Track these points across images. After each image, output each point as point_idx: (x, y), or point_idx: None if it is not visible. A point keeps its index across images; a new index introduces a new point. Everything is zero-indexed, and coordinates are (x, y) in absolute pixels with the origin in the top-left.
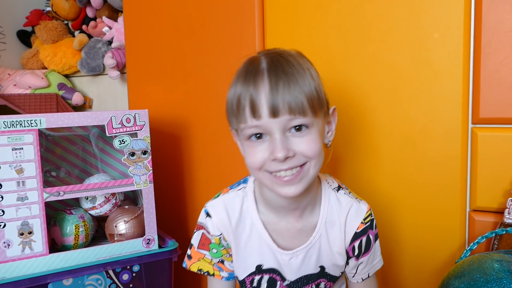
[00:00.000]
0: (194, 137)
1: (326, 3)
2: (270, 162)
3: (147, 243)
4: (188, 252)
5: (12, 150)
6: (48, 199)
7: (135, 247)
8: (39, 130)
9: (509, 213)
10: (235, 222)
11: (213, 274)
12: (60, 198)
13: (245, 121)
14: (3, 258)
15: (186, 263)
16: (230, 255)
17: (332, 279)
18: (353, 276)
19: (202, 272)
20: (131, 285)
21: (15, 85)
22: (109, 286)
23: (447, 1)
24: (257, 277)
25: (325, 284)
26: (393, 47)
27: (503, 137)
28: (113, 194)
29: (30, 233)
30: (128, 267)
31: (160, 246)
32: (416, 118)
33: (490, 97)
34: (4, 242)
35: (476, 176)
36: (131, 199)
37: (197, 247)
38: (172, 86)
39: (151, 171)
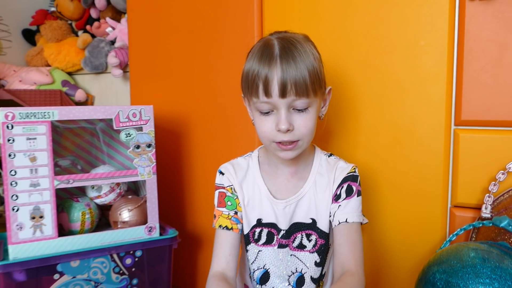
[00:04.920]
0: (193, 133)
1: (321, 9)
2: (276, 132)
3: (149, 231)
4: (214, 213)
5: (27, 139)
6: (58, 186)
7: (138, 234)
8: (51, 122)
9: (486, 208)
10: (241, 178)
11: (232, 228)
12: (69, 185)
13: (257, 97)
14: (15, 240)
15: (214, 223)
16: (241, 207)
17: (323, 235)
18: (333, 220)
19: (222, 228)
20: (133, 269)
21: (20, 81)
22: (113, 269)
23: (433, 11)
24: (258, 230)
25: (316, 239)
26: (383, 53)
27: (483, 138)
28: (118, 184)
29: (41, 217)
30: (131, 252)
31: (161, 234)
32: (402, 119)
33: (472, 100)
34: (17, 225)
35: (457, 174)
36: (133, 191)
37: (217, 206)
38: (173, 84)
39: (155, 163)
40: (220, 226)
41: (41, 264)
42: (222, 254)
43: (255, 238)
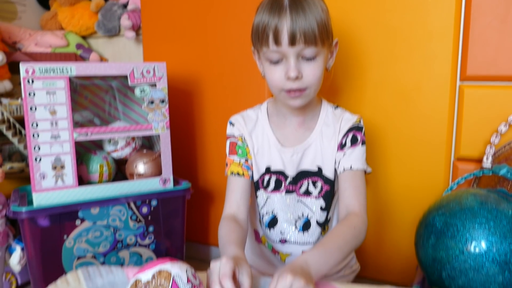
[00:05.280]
0: (205, 92)
1: None
2: (285, 81)
3: (164, 182)
4: (226, 162)
5: (47, 94)
6: (77, 139)
7: (153, 185)
8: (69, 77)
9: (487, 159)
10: (250, 128)
11: (243, 174)
12: (88, 138)
13: (268, 46)
14: (39, 188)
15: (226, 170)
16: (251, 155)
17: (328, 182)
18: (338, 167)
19: (234, 174)
20: (149, 217)
21: (36, 44)
22: (131, 217)
23: None
24: (266, 177)
25: (321, 185)
26: (391, 9)
27: (487, 92)
28: (133, 139)
29: (62, 167)
30: (147, 201)
31: (174, 186)
32: (408, 75)
33: (477, 56)
34: (40, 174)
35: (461, 128)
36: (147, 147)
37: (228, 154)
38: (185, 45)
39: (168, 118)
40: (231, 173)
41: (63, 211)
42: (233, 199)
43: (264, 185)
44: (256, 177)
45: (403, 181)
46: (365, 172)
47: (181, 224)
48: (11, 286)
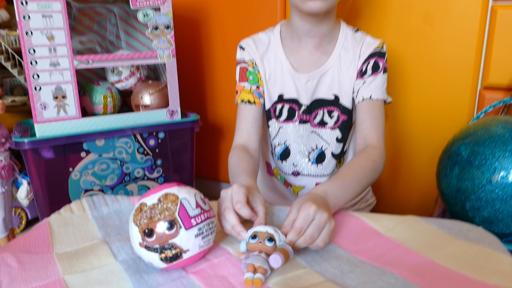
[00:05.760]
0: (212, 19)
1: None
2: None
3: (171, 114)
4: (236, 89)
5: (42, 17)
6: (78, 67)
7: (160, 117)
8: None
9: None
10: (262, 52)
11: (254, 102)
12: (89, 66)
13: None
14: (41, 119)
15: (236, 98)
16: (262, 81)
17: (345, 111)
18: (357, 96)
19: (244, 102)
20: (157, 150)
21: None
22: (138, 149)
23: None
24: (279, 106)
25: (338, 115)
26: None
27: None
28: (137, 69)
29: (63, 97)
30: (154, 133)
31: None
32: None
33: None
34: (41, 104)
35: (491, 53)
36: (153, 79)
37: (239, 81)
38: None
39: (174, 46)
40: (242, 100)
41: (67, 142)
42: (244, 127)
43: (276, 114)
44: (268, 106)
45: (424, 111)
46: (384, 102)
47: (190, 158)
48: (21, 221)
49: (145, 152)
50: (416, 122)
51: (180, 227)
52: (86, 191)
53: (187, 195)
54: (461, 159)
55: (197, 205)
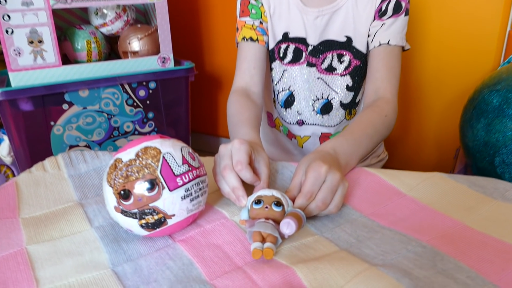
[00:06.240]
0: None
1: None
2: None
3: (163, 62)
4: (236, 26)
5: None
6: (55, 6)
7: (150, 64)
8: None
9: None
10: None
11: (257, 40)
12: (68, 6)
13: None
14: (15, 66)
15: (236, 36)
16: (266, 16)
17: (359, 55)
18: (373, 40)
19: (246, 40)
20: (148, 102)
21: None
22: (126, 101)
23: None
24: (283, 46)
25: (350, 60)
26: None
27: None
28: (124, 10)
29: (40, 42)
30: (144, 83)
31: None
32: None
33: None
34: (15, 50)
35: None
36: (142, 23)
37: (240, 16)
38: None
39: None
40: (243, 38)
41: (47, 92)
42: (245, 68)
43: (280, 55)
44: (271, 45)
45: (443, 58)
46: (402, 49)
47: (185, 111)
48: (7, 180)
49: (135, 104)
50: (432, 70)
51: (163, 188)
52: (71, 147)
53: (171, 149)
54: (492, 107)
55: (184, 161)
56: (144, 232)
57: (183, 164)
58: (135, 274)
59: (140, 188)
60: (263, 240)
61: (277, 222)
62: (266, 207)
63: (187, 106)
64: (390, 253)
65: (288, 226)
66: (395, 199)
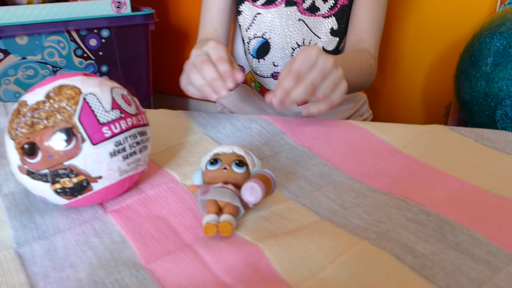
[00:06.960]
0: None
1: None
2: None
3: (118, 7)
4: None
5: None
6: None
7: (103, 9)
8: None
9: None
10: None
11: None
12: None
13: None
14: None
15: None
16: None
17: None
18: None
19: None
20: (100, 53)
21: None
22: (74, 51)
23: None
24: None
25: None
26: None
27: None
28: None
29: None
30: (95, 30)
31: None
32: None
33: None
34: None
35: None
36: None
37: None
38: None
39: None
40: None
41: None
42: (209, 21)
43: None
44: None
45: (433, 7)
46: None
47: (146, 67)
48: None
49: (85, 55)
50: (420, 20)
51: (83, 141)
52: None
53: (96, 89)
54: (496, 52)
55: (115, 106)
56: (62, 201)
57: (112, 109)
58: (46, 256)
59: (51, 140)
60: (220, 211)
61: (238, 187)
62: (225, 168)
63: (147, 62)
64: (385, 223)
65: (252, 192)
66: (388, 157)
